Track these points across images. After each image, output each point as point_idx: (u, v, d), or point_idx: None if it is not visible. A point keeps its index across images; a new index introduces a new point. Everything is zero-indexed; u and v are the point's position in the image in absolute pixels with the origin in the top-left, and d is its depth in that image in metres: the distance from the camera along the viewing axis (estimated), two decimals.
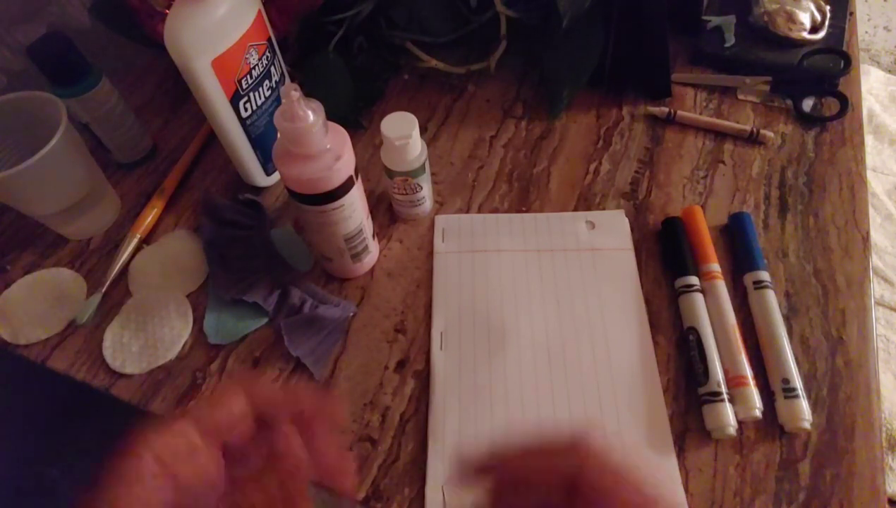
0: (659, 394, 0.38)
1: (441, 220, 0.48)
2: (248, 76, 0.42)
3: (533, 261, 0.45)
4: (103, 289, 0.45)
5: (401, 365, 0.41)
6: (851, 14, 0.59)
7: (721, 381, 0.37)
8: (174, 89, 0.61)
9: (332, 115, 0.35)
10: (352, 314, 0.43)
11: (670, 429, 0.37)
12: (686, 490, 0.35)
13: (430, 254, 0.46)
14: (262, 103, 0.44)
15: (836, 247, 0.44)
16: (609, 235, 0.46)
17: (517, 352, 0.40)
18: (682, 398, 0.38)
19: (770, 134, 0.50)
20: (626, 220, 0.47)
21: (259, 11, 0.41)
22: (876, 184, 1.16)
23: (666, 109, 0.53)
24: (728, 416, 0.36)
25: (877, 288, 1.05)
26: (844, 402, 0.37)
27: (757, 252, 0.43)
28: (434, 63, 0.57)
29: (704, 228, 0.44)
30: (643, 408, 0.37)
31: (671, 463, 0.35)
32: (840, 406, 0.37)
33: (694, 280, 0.42)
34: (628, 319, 0.41)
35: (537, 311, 0.42)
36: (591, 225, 0.47)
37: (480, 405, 0.38)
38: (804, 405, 0.36)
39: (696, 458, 0.36)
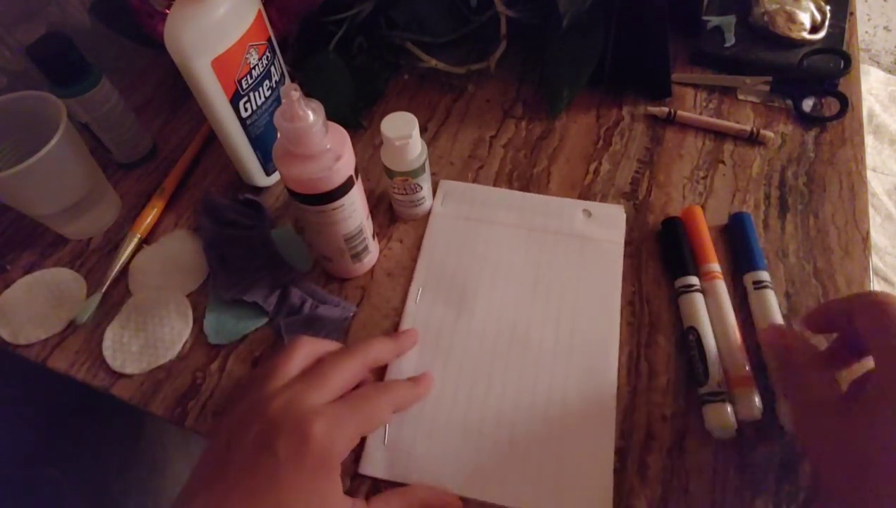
0: (611, 388, 0.38)
1: (445, 184, 0.49)
2: (248, 76, 0.42)
3: (522, 238, 0.46)
4: (103, 289, 0.45)
5: None
6: (851, 14, 0.59)
7: (721, 381, 0.37)
8: (174, 89, 0.61)
9: (332, 115, 0.35)
10: (352, 314, 0.43)
11: (614, 423, 0.37)
12: (686, 491, 0.35)
13: None
14: (262, 103, 0.44)
15: (836, 247, 0.44)
16: (604, 227, 0.46)
17: (483, 321, 0.42)
18: (682, 398, 0.38)
19: (770, 134, 0.50)
20: (624, 215, 0.47)
21: (259, 11, 0.41)
22: (876, 184, 1.16)
23: (666, 109, 0.53)
24: (728, 416, 0.36)
25: (877, 289, 1.05)
26: None
27: (757, 252, 0.43)
28: (434, 63, 0.57)
29: (704, 228, 0.44)
30: (591, 397, 0.38)
31: (607, 461, 0.36)
32: None
33: (694, 280, 0.42)
34: (600, 312, 0.42)
35: (514, 287, 0.43)
36: (588, 213, 0.47)
37: (436, 362, 0.40)
38: None
39: (696, 458, 0.36)
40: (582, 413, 0.38)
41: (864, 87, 1.28)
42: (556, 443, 0.37)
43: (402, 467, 0.36)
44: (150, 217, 0.49)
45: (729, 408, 0.36)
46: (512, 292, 0.43)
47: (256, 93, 0.43)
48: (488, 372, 0.40)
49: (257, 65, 0.42)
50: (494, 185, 0.50)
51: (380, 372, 0.40)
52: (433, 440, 0.37)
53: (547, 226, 0.46)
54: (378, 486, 0.36)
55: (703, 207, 0.47)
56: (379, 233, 0.47)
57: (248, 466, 0.29)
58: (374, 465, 0.36)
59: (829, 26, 0.56)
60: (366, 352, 0.36)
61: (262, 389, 0.33)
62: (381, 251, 0.46)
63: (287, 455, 0.29)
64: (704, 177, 0.49)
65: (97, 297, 0.44)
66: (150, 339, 0.43)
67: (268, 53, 0.43)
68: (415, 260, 0.46)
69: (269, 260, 0.45)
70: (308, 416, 0.30)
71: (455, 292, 0.43)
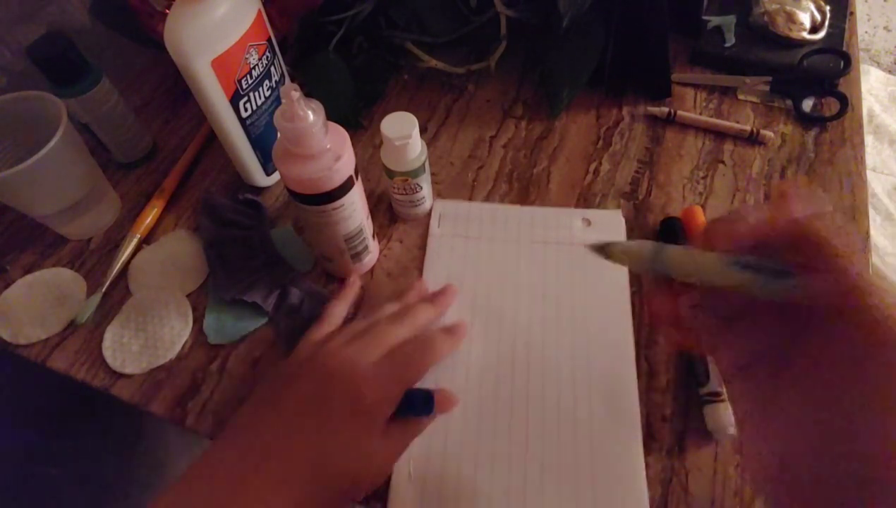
0: (633, 391, 0.38)
1: (439, 205, 0.49)
2: (248, 76, 0.42)
3: (524, 253, 0.45)
4: (103, 289, 0.45)
5: None
6: (851, 14, 0.59)
7: (722, 381, 0.37)
8: (174, 89, 0.61)
9: (332, 115, 0.35)
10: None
11: (640, 426, 0.37)
12: (686, 490, 0.35)
13: None
14: (262, 103, 0.44)
15: None
16: (604, 233, 0.46)
17: (497, 338, 0.41)
18: (683, 398, 0.38)
19: (770, 134, 0.50)
20: (623, 220, 0.47)
21: (259, 11, 0.41)
22: (876, 184, 1.16)
23: (666, 109, 0.53)
24: (729, 417, 0.36)
25: None
26: None
27: None
28: (434, 63, 0.57)
29: None
30: (616, 403, 0.38)
31: (638, 460, 0.36)
32: None
33: None
34: (612, 317, 0.41)
35: (522, 301, 0.43)
36: (588, 222, 0.47)
37: (455, 385, 0.39)
38: None
39: (696, 458, 0.36)
40: (608, 424, 0.37)
41: (864, 87, 1.28)
42: (587, 462, 0.36)
43: (434, 505, 0.35)
44: (150, 217, 0.49)
45: (730, 409, 0.36)
46: (522, 309, 0.42)
47: (256, 94, 0.43)
48: (510, 397, 0.38)
49: (257, 65, 0.42)
50: (494, 185, 0.50)
51: None
52: (461, 477, 0.36)
53: (546, 237, 0.46)
54: None
55: (703, 207, 0.47)
56: (379, 233, 0.47)
57: (303, 410, 0.33)
58: (404, 503, 0.35)
59: (829, 26, 0.56)
60: (414, 320, 0.39)
61: (319, 342, 0.38)
62: (381, 251, 0.46)
63: (341, 410, 0.33)
64: (704, 177, 0.49)
65: (97, 297, 0.44)
66: (150, 339, 0.43)
67: (268, 53, 0.43)
68: (415, 260, 0.46)
69: (269, 260, 0.45)
70: (362, 380, 0.34)
71: (463, 315, 0.42)
